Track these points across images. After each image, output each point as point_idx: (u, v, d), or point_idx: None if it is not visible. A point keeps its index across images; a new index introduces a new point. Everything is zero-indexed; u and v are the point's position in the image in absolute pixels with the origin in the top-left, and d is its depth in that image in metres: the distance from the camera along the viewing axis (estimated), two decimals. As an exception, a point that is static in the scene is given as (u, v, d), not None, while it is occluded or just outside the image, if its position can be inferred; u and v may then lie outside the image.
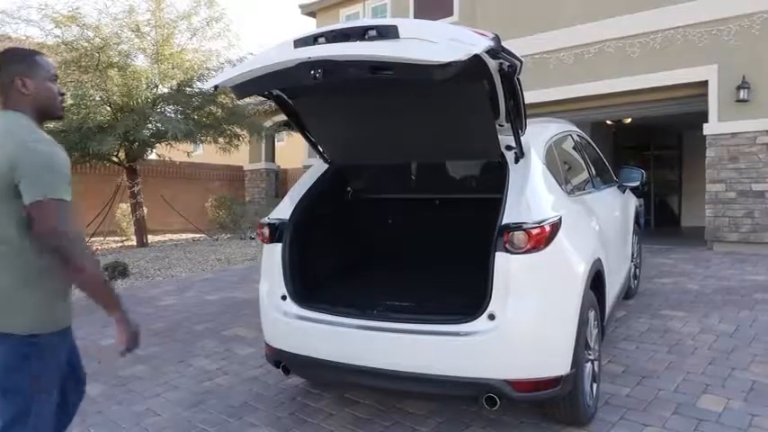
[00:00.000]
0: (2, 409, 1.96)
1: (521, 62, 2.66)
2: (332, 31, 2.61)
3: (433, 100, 2.96)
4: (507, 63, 2.56)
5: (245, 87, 2.88)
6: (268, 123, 15.02)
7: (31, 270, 1.95)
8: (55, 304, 2.05)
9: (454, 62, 2.20)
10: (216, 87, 2.85)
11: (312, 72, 2.48)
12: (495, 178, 3.11)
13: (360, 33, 2.50)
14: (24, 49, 2.21)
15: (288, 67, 2.59)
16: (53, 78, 2.11)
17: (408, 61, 2.28)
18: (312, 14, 15.74)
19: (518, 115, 2.91)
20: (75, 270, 1.95)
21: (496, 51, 2.41)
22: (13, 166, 1.85)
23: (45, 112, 2.09)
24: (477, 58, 2.30)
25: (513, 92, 2.79)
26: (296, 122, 3.51)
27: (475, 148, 3.32)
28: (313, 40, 2.62)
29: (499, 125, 3.05)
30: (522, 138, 3.01)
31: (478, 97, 2.82)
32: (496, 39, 2.38)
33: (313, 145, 3.68)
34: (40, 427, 1.99)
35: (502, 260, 2.64)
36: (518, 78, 2.74)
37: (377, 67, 2.41)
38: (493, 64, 2.52)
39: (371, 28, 2.48)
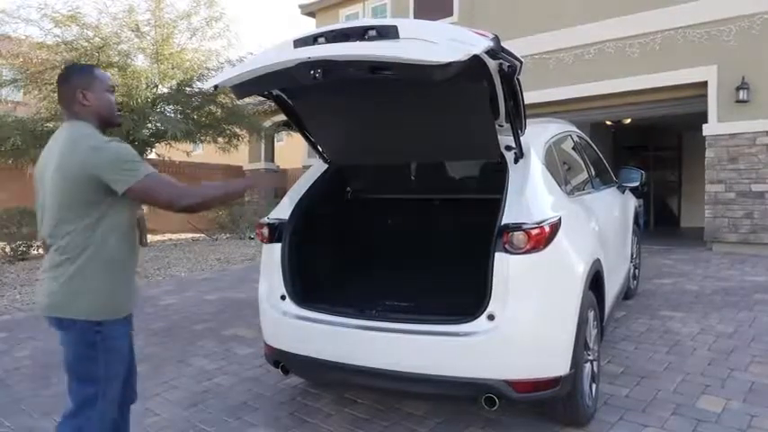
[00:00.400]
0: (74, 392, 2.20)
1: (521, 62, 2.66)
2: (332, 30, 2.61)
3: (432, 100, 2.95)
4: (507, 63, 2.56)
5: (245, 87, 2.87)
6: (267, 123, 15.02)
7: (99, 259, 2.12)
8: (118, 291, 2.20)
9: (454, 62, 2.20)
10: (216, 87, 2.85)
11: (312, 72, 2.48)
12: (495, 179, 3.11)
13: (360, 33, 2.50)
14: (83, 64, 2.37)
15: (287, 67, 2.59)
16: (110, 89, 2.32)
17: (408, 61, 2.28)
18: (312, 14, 15.73)
19: (518, 116, 2.91)
20: (210, 202, 2.34)
21: (496, 52, 2.40)
22: (92, 167, 2.05)
23: (105, 121, 2.30)
24: (476, 58, 2.30)
25: (513, 92, 2.78)
26: (295, 122, 3.50)
27: (475, 149, 3.31)
28: (313, 40, 2.62)
29: (499, 125, 3.05)
30: (521, 138, 3.01)
31: (478, 97, 2.82)
32: (496, 39, 2.38)
33: (312, 145, 3.67)
34: (107, 411, 2.20)
35: (501, 260, 2.64)
36: (518, 79, 2.74)
37: (376, 67, 2.41)
38: (493, 64, 2.52)
39: (371, 28, 2.48)
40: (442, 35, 2.38)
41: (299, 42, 2.65)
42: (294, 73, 2.58)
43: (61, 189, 2.10)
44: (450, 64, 2.21)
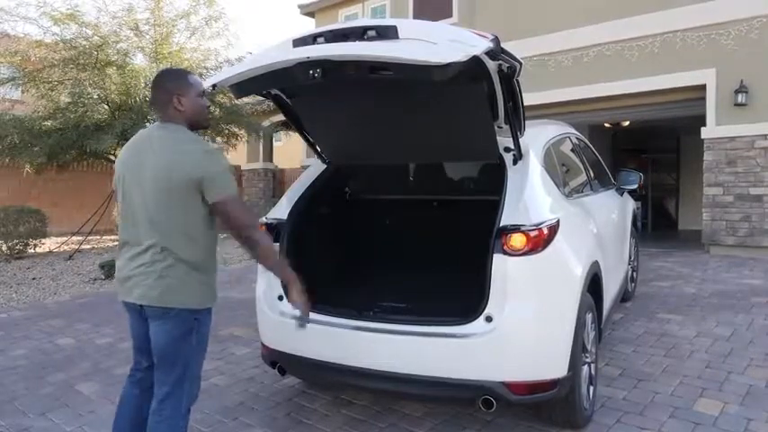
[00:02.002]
0: (164, 374, 2.37)
1: (520, 64, 2.66)
2: (331, 30, 2.60)
3: (432, 101, 2.95)
4: (506, 65, 2.56)
5: (244, 87, 2.86)
6: (266, 123, 15.01)
7: (197, 257, 2.33)
8: (210, 285, 2.42)
9: (453, 63, 2.20)
10: (214, 86, 2.83)
11: (311, 72, 2.47)
12: (494, 180, 3.10)
13: (359, 33, 2.49)
14: (178, 69, 2.57)
15: (286, 66, 2.58)
16: (202, 94, 2.46)
17: (407, 61, 2.27)
18: (311, 14, 15.73)
19: (517, 117, 2.91)
20: (262, 250, 2.43)
21: (496, 53, 2.39)
22: (202, 170, 2.25)
23: (196, 124, 2.46)
24: (476, 59, 2.29)
25: (512, 93, 2.78)
26: (294, 122, 3.50)
27: (473, 150, 3.31)
28: (312, 39, 2.61)
29: (498, 126, 3.04)
30: (520, 140, 3.01)
31: (477, 98, 2.81)
32: (496, 40, 2.37)
33: (311, 145, 3.67)
34: (193, 387, 2.47)
35: (499, 262, 2.63)
36: (517, 80, 2.73)
37: (375, 66, 2.40)
38: (492, 65, 2.52)
39: (371, 28, 2.47)
40: (442, 36, 2.37)
41: (299, 42, 2.64)
42: (293, 73, 2.57)
43: (167, 188, 2.26)
44: (449, 65, 2.20)
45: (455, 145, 3.28)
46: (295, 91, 3.16)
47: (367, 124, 3.32)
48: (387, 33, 2.44)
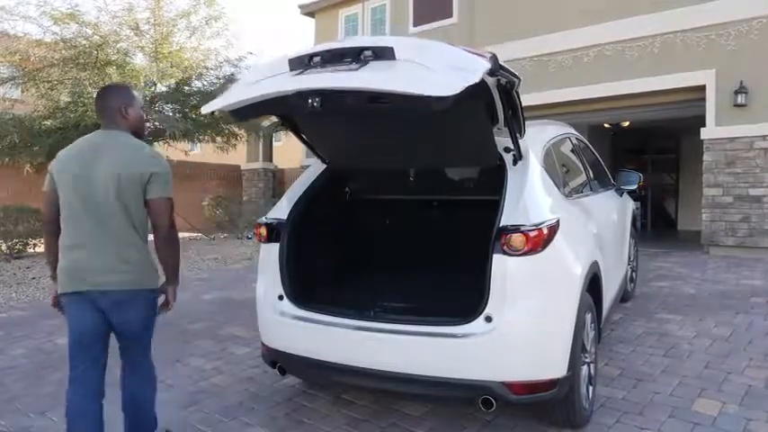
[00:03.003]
0: (138, 348, 2.71)
1: (518, 79, 2.68)
2: (328, 50, 2.62)
3: (431, 113, 2.96)
4: (505, 80, 2.57)
5: (242, 112, 2.88)
6: (266, 123, 15.00)
7: (148, 244, 2.66)
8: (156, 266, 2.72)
9: (451, 95, 2.18)
10: (213, 113, 2.88)
11: (309, 101, 2.51)
12: (494, 180, 3.11)
13: (355, 53, 2.51)
14: (125, 84, 2.89)
15: (285, 95, 2.60)
16: (141, 107, 2.77)
17: (406, 93, 2.26)
18: (311, 15, 15.72)
19: (516, 122, 2.91)
20: (177, 248, 2.75)
21: (494, 70, 2.40)
22: (148, 171, 2.53)
23: (137, 132, 2.72)
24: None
25: (512, 104, 2.79)
26: (292, 129, 3.52)
27: (473, 156, 3.34)
28: (308, 59, 2.64)
29: (497, 128, 3.05)
30: (520, 140, 3.01)
31: (476, 110, 2.83)
32: (494, 59, 2.38)
33: (310, 147, 3.68)
34: None
35: (499, 262, 2.64)
36: (516, 92, 2.74)
37: (374, 97, 2.40)
38: (491, 80, 2.53)
39: (367, 48, 2.49)
40: (440, 60, 2.36)
41: (295, 62, 2.66)
42: (291, 100, 2.61)
43: (122, 188, 2.49)
44: (447, 97, 2.19)
45: (455, 152, 3.31)
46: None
47: (366, 134, 3.34)
48: (383, 54, 2.45)
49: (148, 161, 2.56)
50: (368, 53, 2.48)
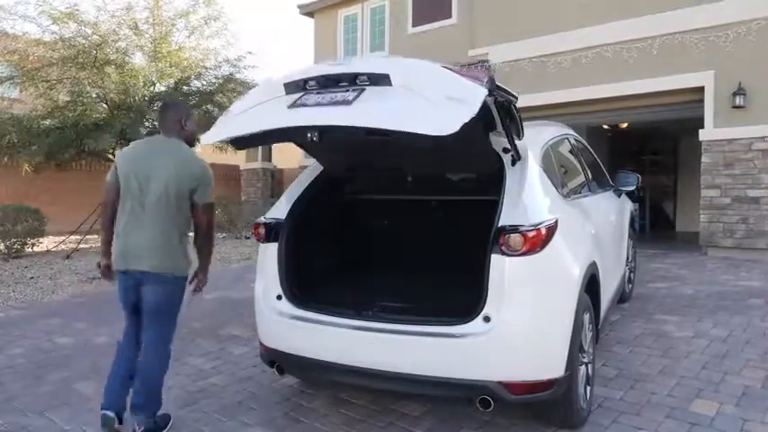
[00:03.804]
0: (156, 324, 3.09)
1: (516, 98, 2.71)
2: (323, 75, 2.65)
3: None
4: (502, 99, 2.60)
5: (242, 142, 2.92)
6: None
7: (187, 239, 3.17)
8: (190, 259, 3.17)
9: (451, 133, 2.20)
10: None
11: (309, 135, 2.57)
12: (492, 180, 3.12)
13: (351, 79, 2.55)
14: (183, 102, 3.39)
15: (283, 129, 2.66)
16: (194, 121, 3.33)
17: (405, 132, 2.28)
18: (310, 15, 15.72)
19: (514, 128, 2.91)
20: (212, 247, 3.34)
21: (491, 90, 2.42)
22: (197, 181, 3.07)
23: (190, 142, 3.26)
24: None
25: (510, 114, 2.81)
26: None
27: (470, 163, 3.37)
28: (303, 83, 2.69)
29: (496, 132, 3.05)
30: (518, 141, 3.02)
31: (474, 126, 2.85)
32: (491, 81, 2.40)
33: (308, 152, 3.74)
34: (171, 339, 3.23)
35: (498, 262, 2.64)
36: (514, 105, 2.77)
37: (373, 130, 2.42)
38: (489, 99, 2.54)
39: (363, 74, 2.52)
40: (437, 89, 2.38)
41: (291, 86, 2.72)
42: (290, 132, 2.68)
43: (174, 187, 3.01)
44: (447, 135, 2.21)
45: (453, 161, 3.32)
46: None
47: (364, 152, 3.43)
48: (379, 81, 2.49)
49: (200, 170, 3.09)
50: (363, 78, 2.52)
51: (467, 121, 2.20)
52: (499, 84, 2.50)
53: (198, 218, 3.14)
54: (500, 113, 2.76)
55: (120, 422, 3.04)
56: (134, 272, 3.02)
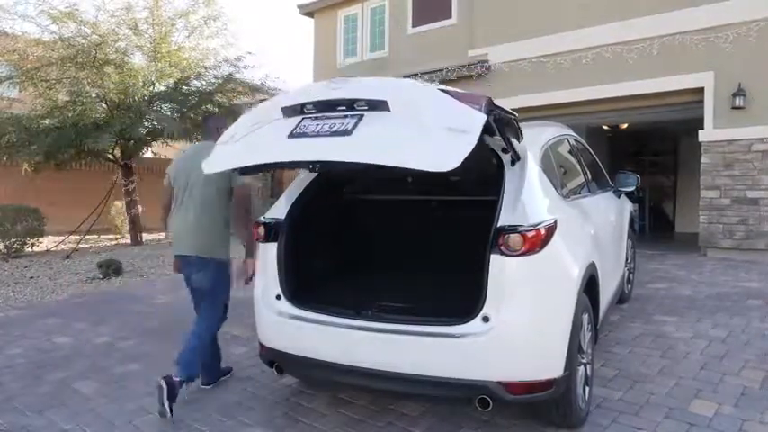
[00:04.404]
0: (204, 300, 3.73)
1: (514, 116, 2.74)
2: (321, 101, 2.67)
3: None
4: (501, 117, 2.62)
5: (246, 170, 3.11)
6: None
7: (228, 227, 3.67)
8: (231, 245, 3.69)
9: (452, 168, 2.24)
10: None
11: (311, 167, 2.80)
12: (492, 181, 3.12)
13: (349, 104, 2.56)
14: (222, 115, 3.60)
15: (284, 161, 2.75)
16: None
17: (406, 168, 2.34)
18: (310, 15, 15.71)
19: (512, 133, 2.92)
20: (249, 228, 3.61)
21: (490, 111, 2.44)
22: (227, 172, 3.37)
23: None
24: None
25: (509, 125, 2.83)
26: None
27: (471, 166, 3.38)
28: (300, 108, 2.71)
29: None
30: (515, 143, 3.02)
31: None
32: (489, 104, 2.41)
33: None
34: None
35: (497, 262, 2.65)
36: (515, 120, 2.80)
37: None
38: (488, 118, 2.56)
39: (360, 100, 2.54)
40: (436, 117, 2.39)
41: (288, 111, 2.75)
42: (293, 162, 2.78)
43: (213, 179, 3.46)
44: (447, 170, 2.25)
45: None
46: None
47: (364, 170, 3.44)
48: (377, 106, 2.50)
49: None
50: (361, 103, 2.54)
51: (467, 154, 2.23)
52: (497, 104, 2.52)
53: (236, 196, 3.64)
54: (500, 127, 2.77)
55: (226, 373, 3.93)
56: (184, 256, 3.66)
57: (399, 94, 2.57)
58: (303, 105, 2.71)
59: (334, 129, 2.56)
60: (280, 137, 2.69)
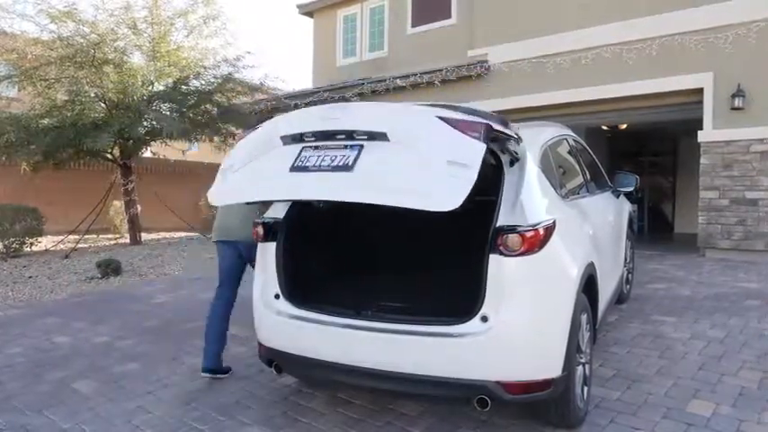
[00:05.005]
0: (232, 283, 4.19)
1: (516, 137, 2.77)
2: (321, 131, 2.68)
3: None
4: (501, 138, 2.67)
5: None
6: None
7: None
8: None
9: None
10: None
11: (315, 204, 2.79)
12: (491, 180, 3.12)
13: (348, 134, 2.59)
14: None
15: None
16: None
17: (408, 207, 2.36)
18: (310, 14, 15.72)
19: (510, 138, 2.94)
20: None
21: (489, 137, 2.47)
22: None
23: None
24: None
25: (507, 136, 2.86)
26: None
27: None
28: (300, 137, 2.74)
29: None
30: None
31: None
32: (488, 131, 2.43)
33: None
34: None
35: (496, 262, 2.65)
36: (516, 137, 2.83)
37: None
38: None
39: (360, 132, 2.57)
40: (437, 149, 2.40)
41: (288, 139, 2.78)
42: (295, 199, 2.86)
43: None
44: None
45: None
46: None
47: None
48: (376, 137, 2.53)
49: None
50: (361, 133, 2.57)
51: (469, 191, 2.26)
52: (498, 128, 2.55)
53: None
54: (499, 144, 2.81)
55: (225, 372, 4.03)
56: (230, 241, 4.06)
57: (398, 124, 2.58)
58: (302, 135, 2.74)
59: (335, 163, 2.58)
60: (281, 170, 2.70)
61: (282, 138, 2.80)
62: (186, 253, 10.75)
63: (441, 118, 2.50)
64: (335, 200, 2.60)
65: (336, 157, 2.59)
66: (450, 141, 2.42)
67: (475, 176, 2.28)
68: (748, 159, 8.57)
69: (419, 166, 2.40)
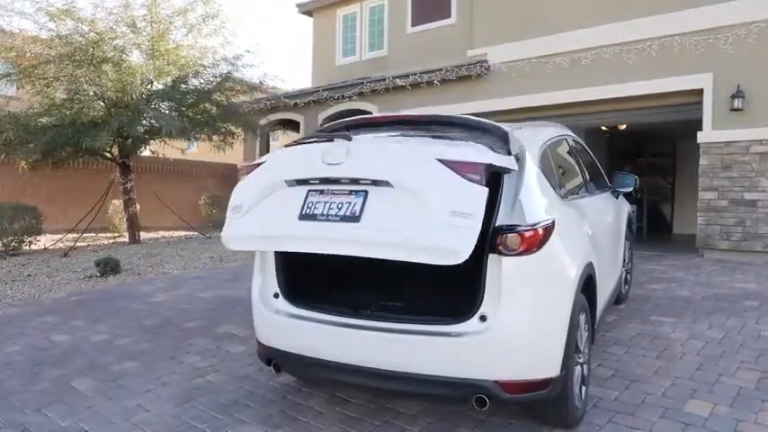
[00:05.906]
0: None
1: (515, 169, 2.81)
2: (324, 178, 2.75)
3: None
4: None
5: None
6: (263, 122, 15.01)
7: None
8: None
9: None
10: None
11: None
12: (490, 180, 3.12)
13: (353, 181, 2.66)
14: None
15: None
16: None
17: (416, 261, 2.45)
18: (309, 14, 15.73)
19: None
20: None
21: (490, 173, 2.55)
22: None
23: None
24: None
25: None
26: None
27: None
28: (305, 181, 2.81)
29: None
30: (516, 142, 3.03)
31: None
32: (488, 170, 2.52)
33: None
34: None
35: (494, 262, 2.66)
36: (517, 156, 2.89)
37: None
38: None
39: (363, 179, 2.63)
40: (439, 199, 2.45)
41: (293, 183, 2.84)
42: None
43: None
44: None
45: None
46: None
47: None
48: (379, 183, 2.59)
49: None
50: (365, 180, 2.63)
51: (476, 242, 2.34)
52: (498, 165, 2.63)
53: None
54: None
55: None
56: None
57: (400, 170, 2.63)
58: (307, 180, 2.81)
59: (342, 212, 2.66)
60: (290, 217, 2.77)
61: (287, 181, 2.86)
62: (185, 252, 10.74)
63: (441, 161, 2.54)
64: (347, 254, 2.65)
65: (343, 204, 2.68)
66: (451, 188, 2.48)
67: (479, 226, 2.37)
68: (747, 160, 8.58)
69: (424, 218, 2.46)
